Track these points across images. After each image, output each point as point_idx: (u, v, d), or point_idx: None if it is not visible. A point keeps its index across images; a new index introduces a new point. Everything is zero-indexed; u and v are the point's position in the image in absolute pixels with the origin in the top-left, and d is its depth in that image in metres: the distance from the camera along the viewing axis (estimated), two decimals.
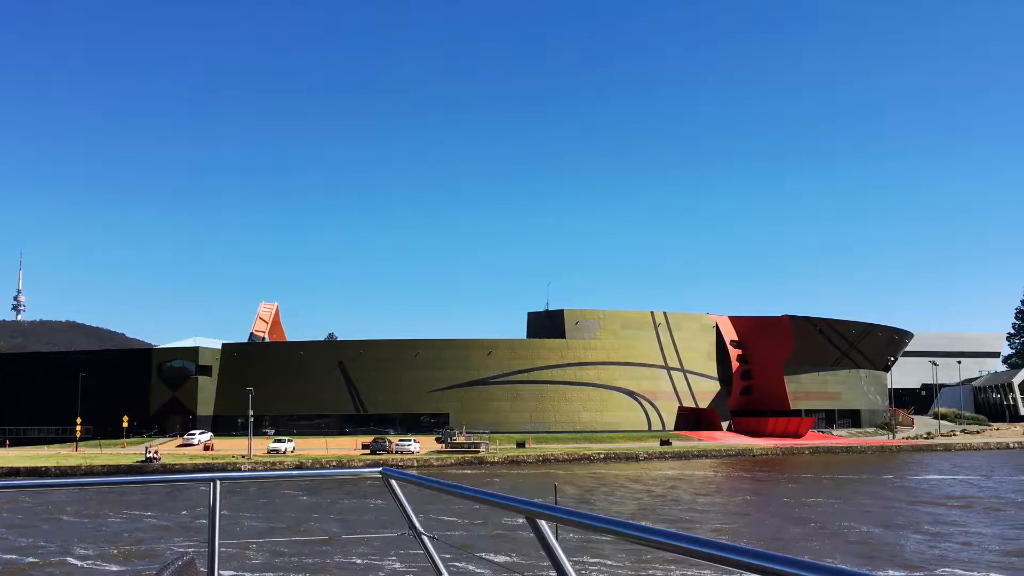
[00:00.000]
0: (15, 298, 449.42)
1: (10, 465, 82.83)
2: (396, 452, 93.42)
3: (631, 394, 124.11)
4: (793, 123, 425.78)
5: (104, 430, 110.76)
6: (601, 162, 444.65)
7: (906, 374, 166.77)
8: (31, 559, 33.63)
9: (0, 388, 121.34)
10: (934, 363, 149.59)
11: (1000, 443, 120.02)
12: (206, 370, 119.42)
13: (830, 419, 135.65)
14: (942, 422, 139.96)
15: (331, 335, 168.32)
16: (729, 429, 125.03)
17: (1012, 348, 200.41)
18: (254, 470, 79.71)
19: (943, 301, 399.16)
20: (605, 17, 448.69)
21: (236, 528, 40.15)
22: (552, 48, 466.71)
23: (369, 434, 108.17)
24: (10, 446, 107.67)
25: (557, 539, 3.53)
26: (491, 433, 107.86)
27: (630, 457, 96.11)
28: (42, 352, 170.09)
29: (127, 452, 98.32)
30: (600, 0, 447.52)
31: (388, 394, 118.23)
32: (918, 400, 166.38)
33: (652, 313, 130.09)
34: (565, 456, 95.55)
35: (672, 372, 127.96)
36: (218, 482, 5.50)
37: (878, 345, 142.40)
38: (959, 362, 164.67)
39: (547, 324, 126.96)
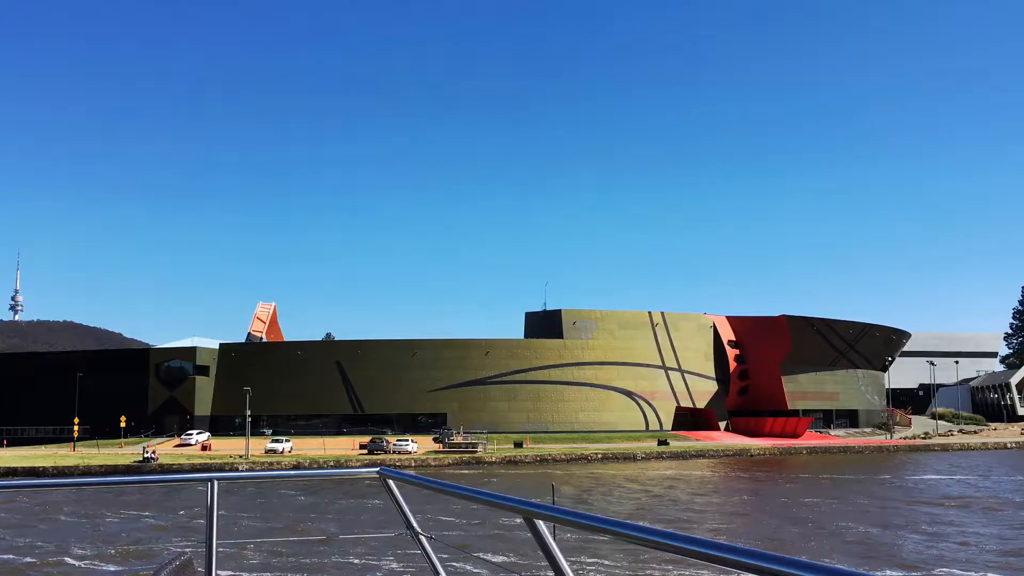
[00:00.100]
0: (12, 298, 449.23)
1: (7, 465, 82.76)
2: (394, 452, 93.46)
3: (628, 394, 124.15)
4: (792, 123, 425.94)
5: (102, 430, 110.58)
6: (600, 162, 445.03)
7: (904, 374, 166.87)
8: (29, 559, 33.59)
9: None
10: (932, 363, 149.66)
11: (998, 443, 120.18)
12: (204, 370, 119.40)
13: (828, 419, 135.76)
14: (940, 422, 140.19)
15: (329, 335, 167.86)
16: (727, 429, 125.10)
17: (1010, 348, 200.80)
18: (252, 470, 79.62)
19: (941, 301, 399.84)
20: (605, 17, 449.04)
21: (234, 528, 40.14)
22: (552, 48, 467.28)
23: (367, 434, 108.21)
24: (8, 446, 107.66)
25: (555, 539, 3.53)
26: (489, 433, 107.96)
27: (628, 457, 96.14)
28: (39, 352, 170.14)
29: (125, 452, 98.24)
30: (600, 0, 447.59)
31: (386, 394, 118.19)
32: (916, 400, 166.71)
33: (649, 313, 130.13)
34: (563, 456, 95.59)
35: (669, 372, 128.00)
36: (216, 482, 5.50)
37: (876, 345, 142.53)
38: (957, 362, 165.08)
39: (545, 324, 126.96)
